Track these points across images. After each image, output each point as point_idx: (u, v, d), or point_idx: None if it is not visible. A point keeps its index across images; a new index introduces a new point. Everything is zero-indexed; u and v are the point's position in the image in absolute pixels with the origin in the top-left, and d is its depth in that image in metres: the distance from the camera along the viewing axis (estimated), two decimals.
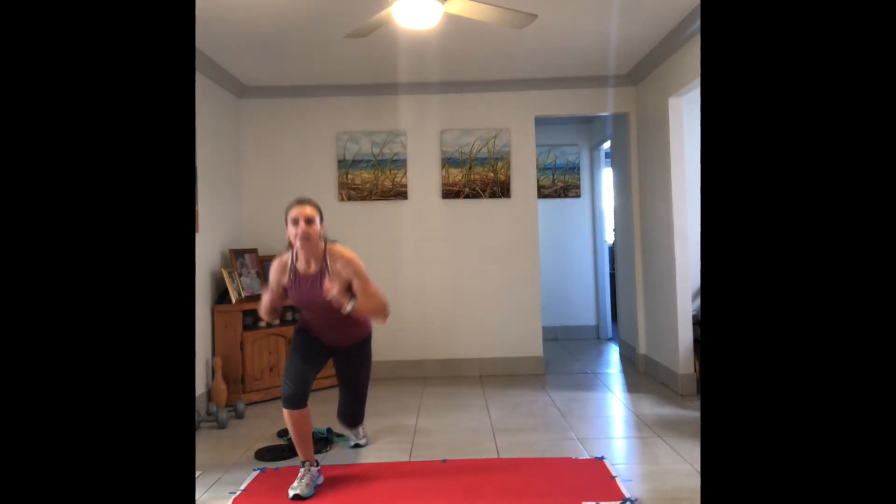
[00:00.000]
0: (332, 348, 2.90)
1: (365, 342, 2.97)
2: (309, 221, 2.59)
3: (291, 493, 2.54)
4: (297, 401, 2.62)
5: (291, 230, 2.60)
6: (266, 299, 2.68)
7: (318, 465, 2.70)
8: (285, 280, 2.72)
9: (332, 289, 2.50)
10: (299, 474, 2.63)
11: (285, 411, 2.63)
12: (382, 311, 2.70)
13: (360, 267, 2.69)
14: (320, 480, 2.70)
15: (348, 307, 2.56)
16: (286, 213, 2.63)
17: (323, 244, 2.69)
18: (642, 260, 4.86)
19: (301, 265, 2.69)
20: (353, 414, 3.06)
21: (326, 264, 2.67)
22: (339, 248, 2.73)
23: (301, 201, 2.63)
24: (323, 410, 3.93)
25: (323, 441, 3.19)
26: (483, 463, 2.88)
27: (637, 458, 2.94)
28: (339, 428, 3.51)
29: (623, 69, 4.72)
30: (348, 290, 2.68)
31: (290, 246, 2.70)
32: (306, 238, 2.58)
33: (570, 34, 3.84)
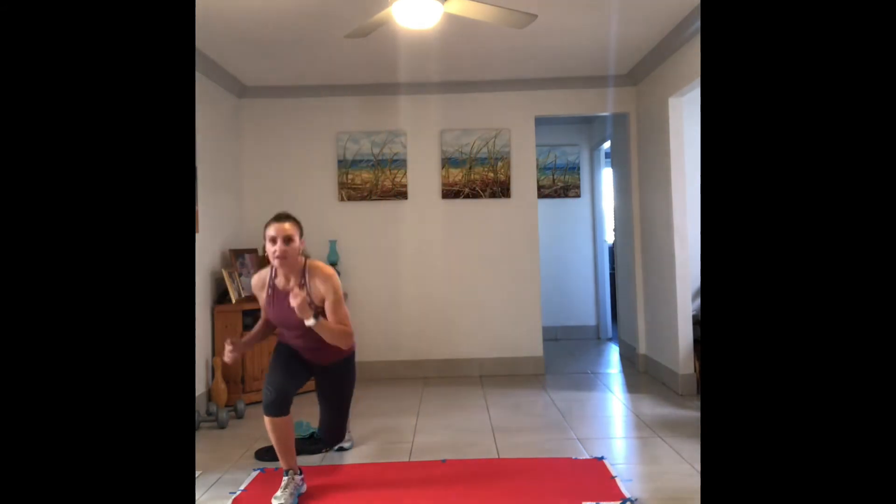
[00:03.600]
0: (312, 365, 2.86)
1: (347, 361, 2.93)
2: (287, 240, 2.55)
3: (275, 502, 2.46)
4: (277, 407, 2.55)
5: (269, 247, 2.57)
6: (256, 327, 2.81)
7: (301, 474, 2.62)
8: (263, 296, 2.73)
9: (298, 295, 2.41)
10: (283, 483, 2.55)
11: (266, 418, 2.57)
12: (345, 337, 2.62)
13: (337, 285, 2.67)
14: (304, 489, 2.61)
15: (312, 321, 2.47)
16: (264, 230, 2.59)
17: (302, 260, 2.67)
18: (642, 260, 4.86)
19: (280, 281, 2.68)
20: (333, 432, 3.00)
21: (305, 280, 2.65)
22: (319, 263, 2.71)
23: (280, 217, 2.59)
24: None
25: (322, 441, 3.18)
26: (483, 463, 2.88)
27: (637, 458, 2.94)
28: None
29: (623, 69, 4.72)
30: (322, 308, 2.66)
31: (268, 262, 2.67)
32: (284, 257, 2.55)
33: (570, 34, 3.84)
